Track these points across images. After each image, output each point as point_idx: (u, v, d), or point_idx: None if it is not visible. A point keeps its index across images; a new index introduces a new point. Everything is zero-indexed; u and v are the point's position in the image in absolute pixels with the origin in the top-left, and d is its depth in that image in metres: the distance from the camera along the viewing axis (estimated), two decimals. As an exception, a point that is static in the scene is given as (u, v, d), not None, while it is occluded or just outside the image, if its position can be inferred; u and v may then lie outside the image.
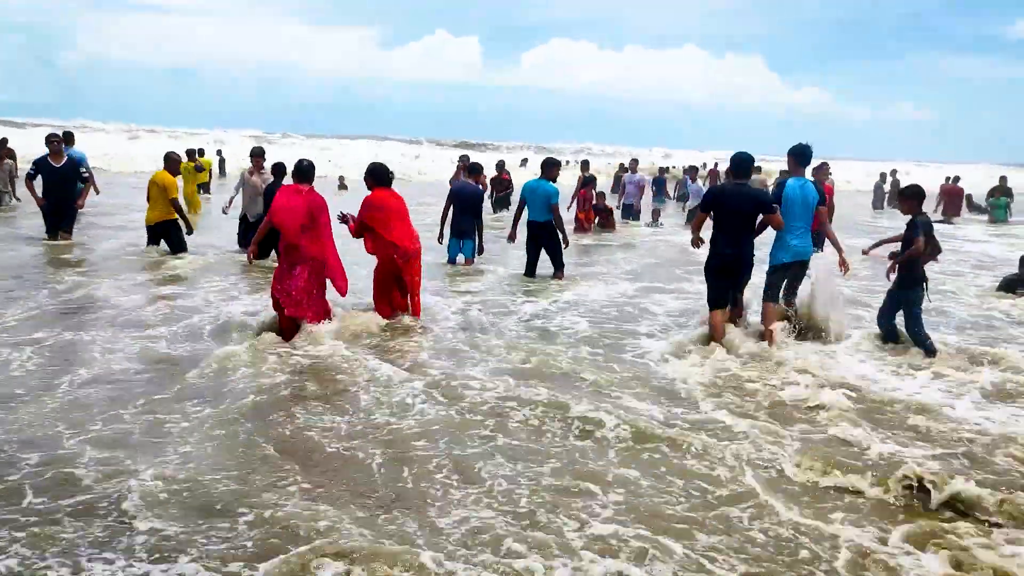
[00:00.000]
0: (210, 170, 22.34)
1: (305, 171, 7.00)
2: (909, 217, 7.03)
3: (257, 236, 7.33)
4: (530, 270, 10.29)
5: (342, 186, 25.10)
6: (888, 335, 7.20)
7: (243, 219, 11.22)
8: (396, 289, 7.54)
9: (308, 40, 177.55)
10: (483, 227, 10.91)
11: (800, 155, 7.49)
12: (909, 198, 7.11)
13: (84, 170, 11.74)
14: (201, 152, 23.42)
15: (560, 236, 10.20)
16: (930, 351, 6.81)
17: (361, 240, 7.50)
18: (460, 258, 10.81)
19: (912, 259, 6.86)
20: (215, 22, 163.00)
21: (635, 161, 20.33)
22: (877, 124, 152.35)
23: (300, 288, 6.74)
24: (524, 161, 34.76)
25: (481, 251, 10.89)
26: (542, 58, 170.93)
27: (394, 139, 61.35)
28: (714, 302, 7.18)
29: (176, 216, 10.65)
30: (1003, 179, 23.57)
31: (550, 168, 10.31)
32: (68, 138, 14.85)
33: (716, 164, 28.24)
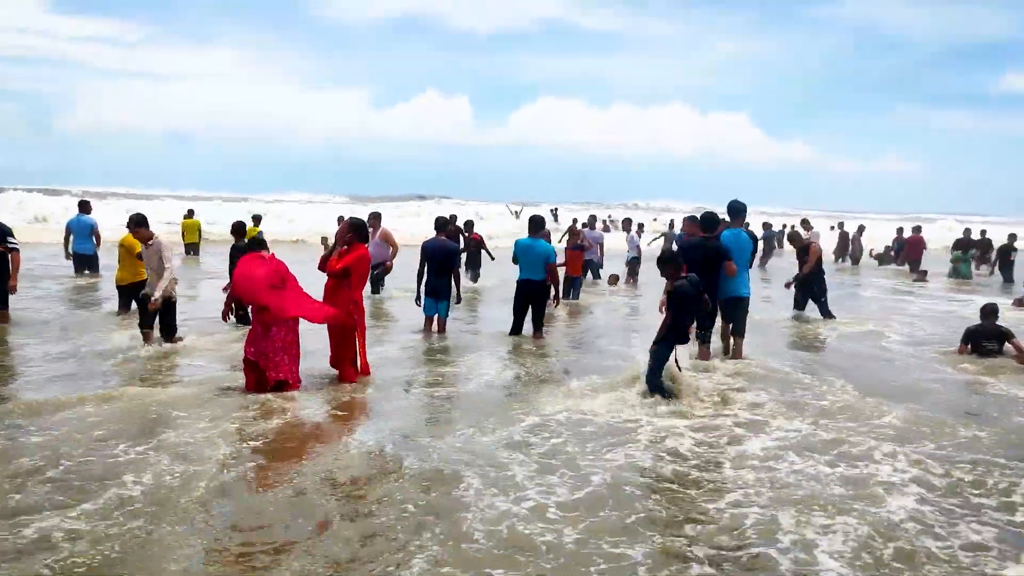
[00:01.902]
0: (199, 230, 22.90)
1: (261, 241, 7.63)
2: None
3: (225, 308, 8.03)
4: (516, 329, 10.12)
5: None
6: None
7: None
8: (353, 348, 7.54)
9: (302, 102, 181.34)
10: (459, 277, 10.43)
11: (733, 210, 8.91)
12: (666, 263, 7.23)
13: (11, 242, 10.25)
14: (190, 213, 24.28)
15: (553, 294, 10.23)
16: (654, 389, 6.97)
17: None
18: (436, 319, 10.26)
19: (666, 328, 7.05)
20: (211, 87, 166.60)
21: (593, 217, 19.81)
22: (864, 177, 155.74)
23: (277, 348, 6.87)
24: (516, 214, 36.08)
25: (459, 300, 10.54)
26: (531, 117, 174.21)
27: (391, 198, 62.46)
28: (700, 338, 8.44)
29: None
30: (967, 232, 23.14)
31: (540, 227, 10.39)
32: (83, 206, 15.10)
33: (672, 221, 28.34)
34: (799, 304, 12.46)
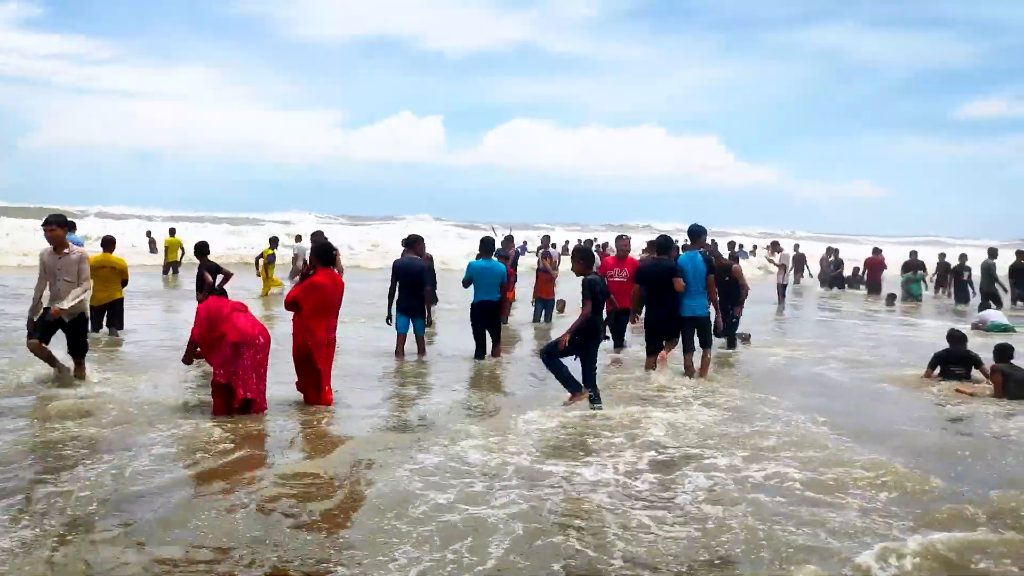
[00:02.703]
0: (181, 249, 22.85)
1: (223, 292, 7.79)
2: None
3: (189, 354, 7.42)
4: (480, 352, 10.30)
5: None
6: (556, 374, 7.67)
7: None
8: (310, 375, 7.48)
9: (274, 122, 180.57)
10: (430, 297, 10.48)
11: (691, 233, 9.77)
12: (579, 260, 7.78)
13: None
14: (172, 232, 24.34)
15: (502, 314, 10.63)
16: (592, 401, 7.44)
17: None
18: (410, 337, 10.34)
19: (585, 320, 7.38)
20: (180, 106, 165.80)
21: (547, 238, 19.58)
22: (831, 201, 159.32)
23: (247, 367, 6.91)
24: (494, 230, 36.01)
25: (430, 323, 10.65)
26: (503, 138, 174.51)
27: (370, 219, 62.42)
28: (651, 352, 9.27)
29: (121, 295, 11.42)
30: (913, 253, 23.37)
31: (492, 249, 10.64)
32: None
33: (605, 245, 28.29)
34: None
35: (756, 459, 5.98)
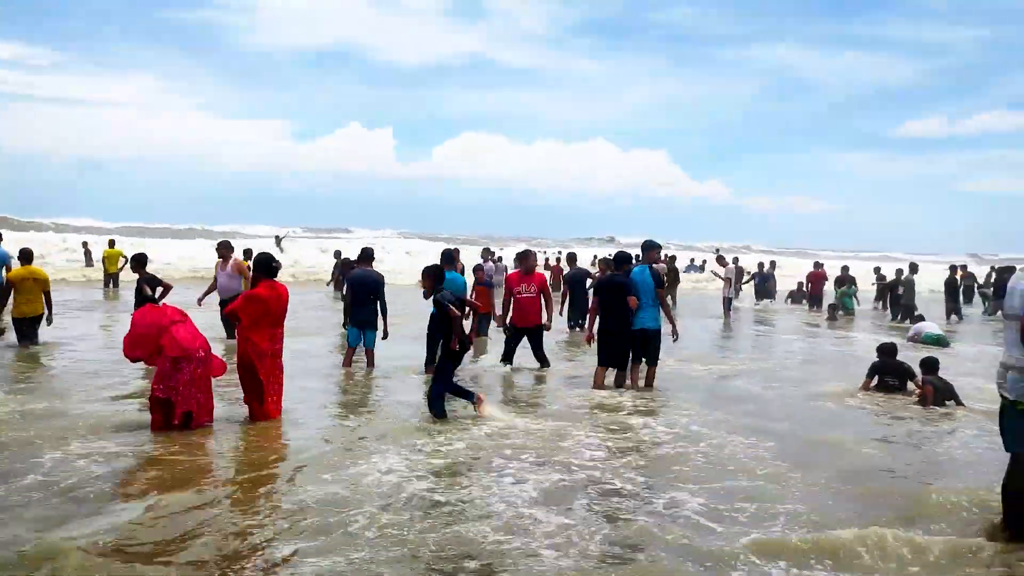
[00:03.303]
0: (123, 258, 22.42)
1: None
2: None
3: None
4: (430, 360, 10.15)
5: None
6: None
7: None
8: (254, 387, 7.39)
9: (221, 132, 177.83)
10: (387, 311, 10.42)
11: (644, 248, 9.99)
12: (427, 277, 7.84)
13: None
14: (111, 243, 23.88)
15: (471, 326, 10.75)
16: (438, 415, 7.50)
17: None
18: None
19: (451, 331, 7.55)
20: (125, 115, 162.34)
21: (486, 251, 19.34)
22: (778, 215, 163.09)
23: (186, 382, 6.82)
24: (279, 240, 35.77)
25: (385, 335, 10.52)
26: (454, 151, 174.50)
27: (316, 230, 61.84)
28: (603, 362, 9.47)
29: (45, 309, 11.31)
30: (845, 268, 23.87)
31: (452, 260, 10.70)
32: None
33: (559, 256, 28.66)
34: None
35: (661, 487, 5.74)
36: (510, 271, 14.25)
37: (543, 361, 10.80)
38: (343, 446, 6.62)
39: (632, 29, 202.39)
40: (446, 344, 7.63)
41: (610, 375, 9.55)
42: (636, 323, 9.36)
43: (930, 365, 9.26)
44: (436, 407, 7.56)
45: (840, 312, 20.96)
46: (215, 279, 12.20)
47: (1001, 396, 4.63)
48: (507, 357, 10.86)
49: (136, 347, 6.96)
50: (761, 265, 27.56)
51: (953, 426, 8.14)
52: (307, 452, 6.43)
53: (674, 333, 9.68)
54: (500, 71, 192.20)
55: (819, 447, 7.10)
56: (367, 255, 10.75)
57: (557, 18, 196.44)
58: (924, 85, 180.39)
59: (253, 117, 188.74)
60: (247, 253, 22.80)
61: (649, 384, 9.47)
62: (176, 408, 6.79)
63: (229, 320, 11.46)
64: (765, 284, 25.31)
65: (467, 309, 7.77)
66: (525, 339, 10.81)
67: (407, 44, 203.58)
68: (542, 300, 10.78)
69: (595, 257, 33.10)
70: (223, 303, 11.40)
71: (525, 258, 11.34)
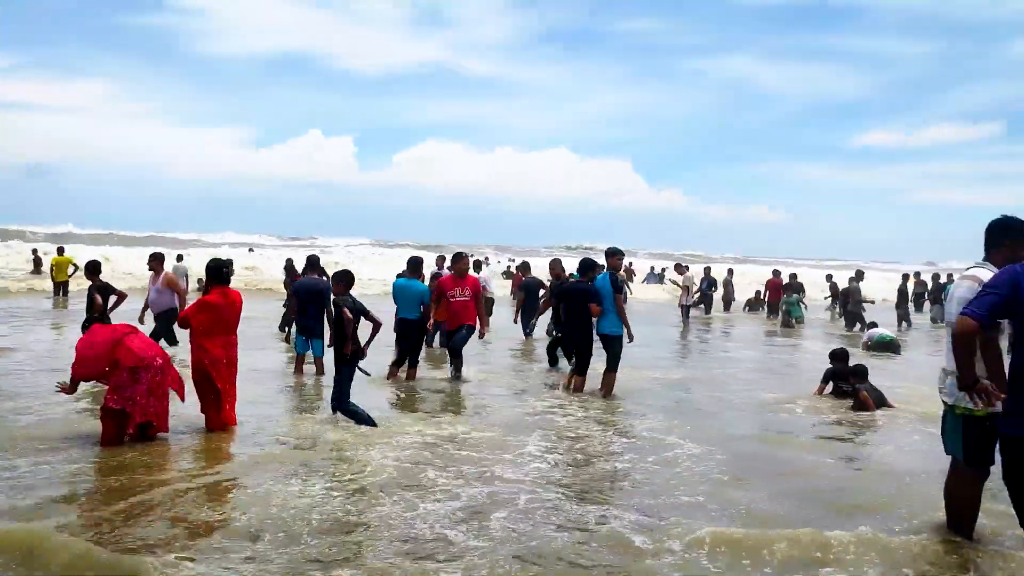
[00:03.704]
0: (74, 266, 21.94)
1: (106, 319, 7.43)
2: None
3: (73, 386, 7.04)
4: (400, 360, 10.35)
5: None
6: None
7: None
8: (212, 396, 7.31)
9: (176, 140, 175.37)
10: (331, 316, 9.97)
11: (607, 255, 10.13)
12: (336, 282, 7.84)
13: None
14: (60, 250, 23.39)
15: (427, 333, 10.72)
16: (366, 422, 7.47)
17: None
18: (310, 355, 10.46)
19: (344, 341, 7.54)
20: (81, 121, 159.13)
21: (441, 258, 19.31)
22: (735, 224, 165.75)
23: (144, 392, 6.68)
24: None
25: (331, 344, 10.55)
26: (415, 158, 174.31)
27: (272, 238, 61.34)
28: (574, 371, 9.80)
29: None
30: (793, 276, 24.31)
31: (418, 269, 10.69)
32: None
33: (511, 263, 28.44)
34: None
35: (595, 500, 5.58)
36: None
37: (456, 355, 10.44)
38: (276, 458, 6.46)
39: (593, 39, 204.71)
40: (339, 350, 7.60)
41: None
42: (600, 328, 9.62)
43: (859, 373, 9.67)
44: (345, 410, 7.54)
45: (793, 320, 21.24)
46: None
47: (942, 401, 4.74)
48: (456, 357, 10.54)
49: (86, 366, 6.76)
50: (707, 269, 27.99)
51: (894, 431, 8.31)
52: (233, 465, 6.29)
53: (629, 336, 9.83)
54: (462, 79, 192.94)
55: (764, 457, 7.10)
56: (313, 263, 10.82)
57: (519, 27, 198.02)
58: (879, 98, 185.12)
59: (211, 124, 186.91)
60: (179, 258, 22.56)
61: (608, 391, 9.54)
62: (134, 419, 6.65)
63: (167, 330, 11.38)
64: (710, 290, 25.58)
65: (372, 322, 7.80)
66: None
67: (368, 52, 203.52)
68: (476, 304, 10.63)
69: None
70: (156, 318, 11.26)
71: (457, 261, 11.08)
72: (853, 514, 5.37)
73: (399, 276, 11.17)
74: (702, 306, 24.93)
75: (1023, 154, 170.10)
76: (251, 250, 27.63)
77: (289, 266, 17.83)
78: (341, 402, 7.55)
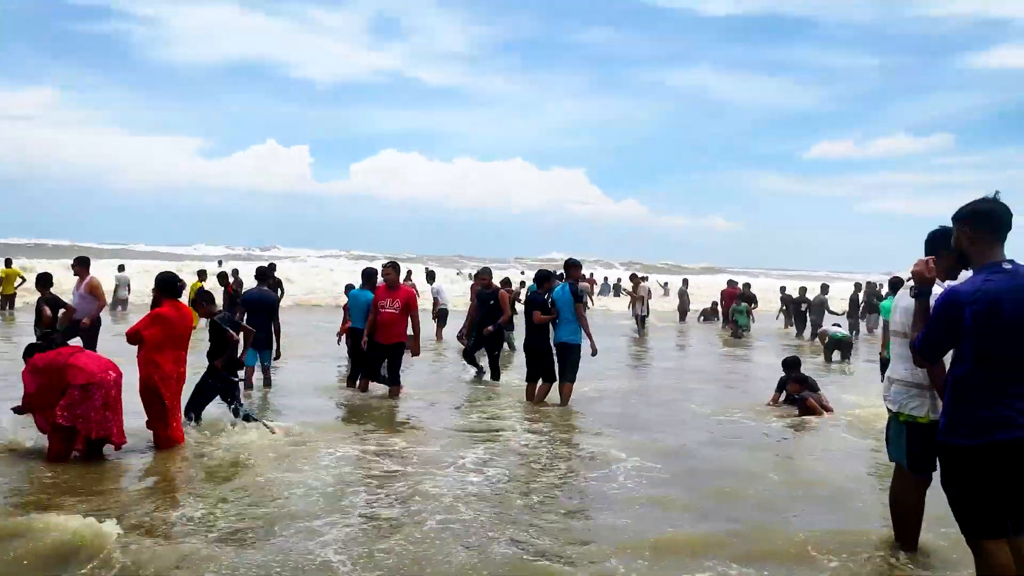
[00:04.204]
0: (21, 278, 21.38)
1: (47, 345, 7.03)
2: None
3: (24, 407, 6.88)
4: (353, 376, 10.33)
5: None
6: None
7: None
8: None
9: (131, 147, 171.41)
10: (280, 330, 10.35)
11: (566, 267, 10.20)
12: (200, 303, 8.03)
13: None
14: (8, 262, 22.69)
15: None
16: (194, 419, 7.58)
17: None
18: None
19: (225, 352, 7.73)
20: (29, 129, 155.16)
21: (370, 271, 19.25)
22: (692, 234, 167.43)
23: (98, 407, 6.55)
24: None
25: (278, 355, 10.42)
26: (372, 168, 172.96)
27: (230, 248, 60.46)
28: (530, 377, 10.00)
29: None
30: (746, 286, 24.64)
31: (373, 279, 10.63)
32: None
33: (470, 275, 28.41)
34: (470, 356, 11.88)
35: (516, 521, 5.30)
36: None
37: (393, 380, 10.03)
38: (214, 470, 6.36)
39: (551, 50, 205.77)
40: (212, 362, 7.68)
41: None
42: (557, 337, 9.74)
43: (791, 364, 10.04)
44: (194, 415, 7.63)
45: (742, 329, 21.43)
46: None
47: (887, 408, 4.84)
48: (373, 374, 10.13)
49: (40, 397, 6.60)
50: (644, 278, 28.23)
51: (833, 438, 8.42)
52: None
53: (592, 348, 9.88)
54: (419, 89, 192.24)
55: (704, 472, 6.87)
56: (263, 274, 10.75)
57: (476, 38, 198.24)
58: (832, 109, 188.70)
59: (164, 132, 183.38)
60: (201, 274, 22.09)
61: (565, 400, 9.62)
62: (89, 435, 6.51)
63: (91, 336, 10.54)
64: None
65: (242, 334, 7.92)
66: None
67: (324, 61, 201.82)
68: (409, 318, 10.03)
69: (523, 274, 33.28)
70: (74, 325, 10.41)
71: (387, 271, 10.35)
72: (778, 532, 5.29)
73: (352, 287, 11.29)
74: (713, 320, 25.17)
75: (972, 165, 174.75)
76: (220, 263, 27.22)
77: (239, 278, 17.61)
78: (196, 408, 7.70)
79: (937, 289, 4.04)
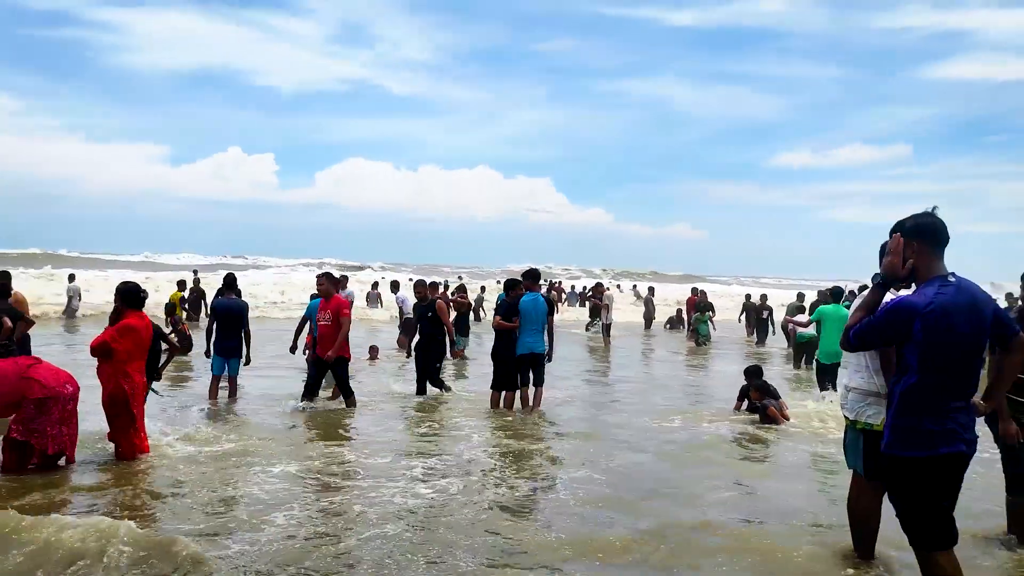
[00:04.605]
0: None
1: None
2: None
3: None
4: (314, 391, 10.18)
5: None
6: None
7: None
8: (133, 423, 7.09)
9: (90, 155, 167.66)
10: (250, 337, 10.31)
11: (531, 277, 10.38)
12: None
13: None
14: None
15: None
16: None
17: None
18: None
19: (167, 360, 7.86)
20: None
21: (344, 278, 18.39)
22: (657, 241, 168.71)
23: (54, 422, 6.50)
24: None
25: (248, 361, 10.29)
26: (338, 176, 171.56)
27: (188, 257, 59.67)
28: (495, 386, 10.05)
29: None
30: (703, 294, 24.76)
31: (233, 286, 10.74)
32: None
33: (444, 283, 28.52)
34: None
35: (442, 541, 5.08)
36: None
37: (345, 394, 9.89)
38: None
39: (516, 58, 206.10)
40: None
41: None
42: (524, 347, 9.88)
43: (753, 372, 10.15)
44: None
45: (703, 338, 21.56)
46: None
47: (844, 416, 4.95)
48: (309, 391, 9.84)
49: None
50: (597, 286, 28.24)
51: (785, 448, 8.44)
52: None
53: (549, 355, 10.13)
54: (384, 97, 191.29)
55: (649, 484, 6.73)
56: (230, 283, 10.68)
57: (442, 46, 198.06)
58: (793, 120, 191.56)
59: (127, 140, 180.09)
60: (180, 284, 21.75)
61: (537, 404, 9.89)
62: (46, 449, 6.43)
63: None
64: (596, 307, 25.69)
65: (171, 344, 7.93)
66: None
67: (288, 69, 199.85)
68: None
69: (498, 283, 33.28)
70: None
71: (320, 281, 10.18)
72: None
73: (313, 297, 11.10)
74: (678, 328, 25.39)
75: (928, 175, 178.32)
76: (196, 272, 26.90)
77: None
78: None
79: (888, 296, 4.12)
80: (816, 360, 11.97)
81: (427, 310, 11.23)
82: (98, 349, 7.02)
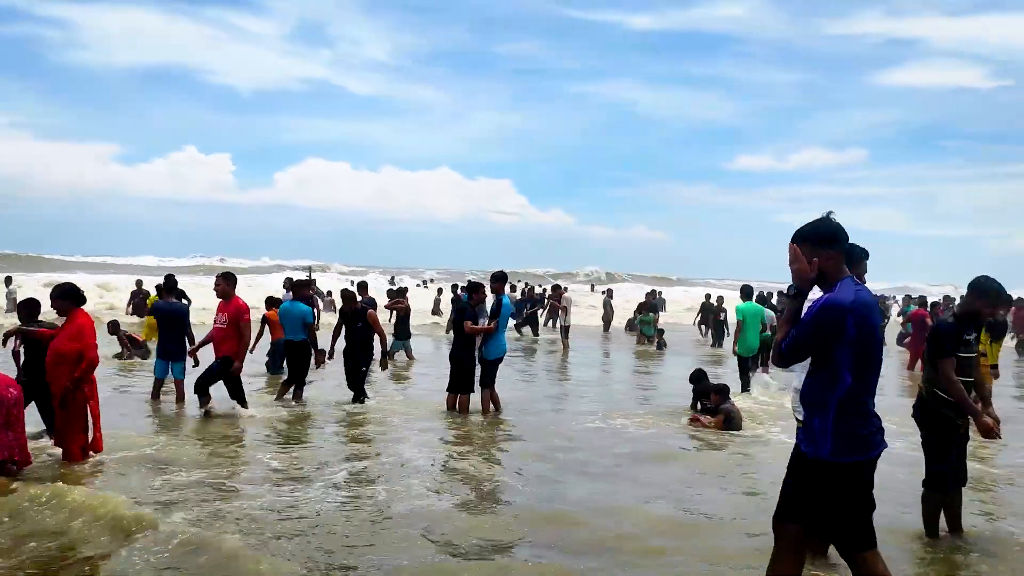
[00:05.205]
0: None
1: None
2: None
3: None
4: (290, 383, 10.56)
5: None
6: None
7: None
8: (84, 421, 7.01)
9: (39, 154, 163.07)
10: (193, 338, 10.34)
11: (493, 279, 10.21)
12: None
13: None
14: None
15: (314, 353, 10.55)
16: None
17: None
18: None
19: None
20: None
21: (364, 284, 18.90)
22: (618, 243, 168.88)
23: (1, 428, 6.33)
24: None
25: (196, 363, 10.05)
26: (297, 177, 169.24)
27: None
28: (451, 388, 10.04)
29: None
30: (650, 295, 24.91)
31: (302, 288, 10.80)
32: None
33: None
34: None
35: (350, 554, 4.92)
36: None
37: (238, 400, 9.46)
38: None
39: (478, 60, 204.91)
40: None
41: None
42: (500, 349, 9.98)
43: (721, 391, 9.86)
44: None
45: (645, 338, 21.55)
46: None
47: (795, 419, 4.95)
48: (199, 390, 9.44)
49: None
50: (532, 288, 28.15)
51: (718, 454, 8.39)
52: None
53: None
54: (345, 98, 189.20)
55: (578, 494, 6.54)
56: (170, 285, 10.59)
57: (403, 47, 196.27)
58: (752, 123, 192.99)
59: (78, 138, 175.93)
60: (158, 289, 20.96)
61: (498, 406, 10.08)
62: None
63: None
64: (532, 309, 25.62)
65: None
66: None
67: (246, 68, 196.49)
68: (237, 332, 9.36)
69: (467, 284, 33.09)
70: None
71: (217, 282, 9.74)
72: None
73: (276, 300, 11.37)
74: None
75: (884, 179, 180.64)
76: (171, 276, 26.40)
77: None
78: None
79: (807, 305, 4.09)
80: (737, 355, 12.55)
81: (358, 319, 10.72)
82: (65, 355, 6.86)
